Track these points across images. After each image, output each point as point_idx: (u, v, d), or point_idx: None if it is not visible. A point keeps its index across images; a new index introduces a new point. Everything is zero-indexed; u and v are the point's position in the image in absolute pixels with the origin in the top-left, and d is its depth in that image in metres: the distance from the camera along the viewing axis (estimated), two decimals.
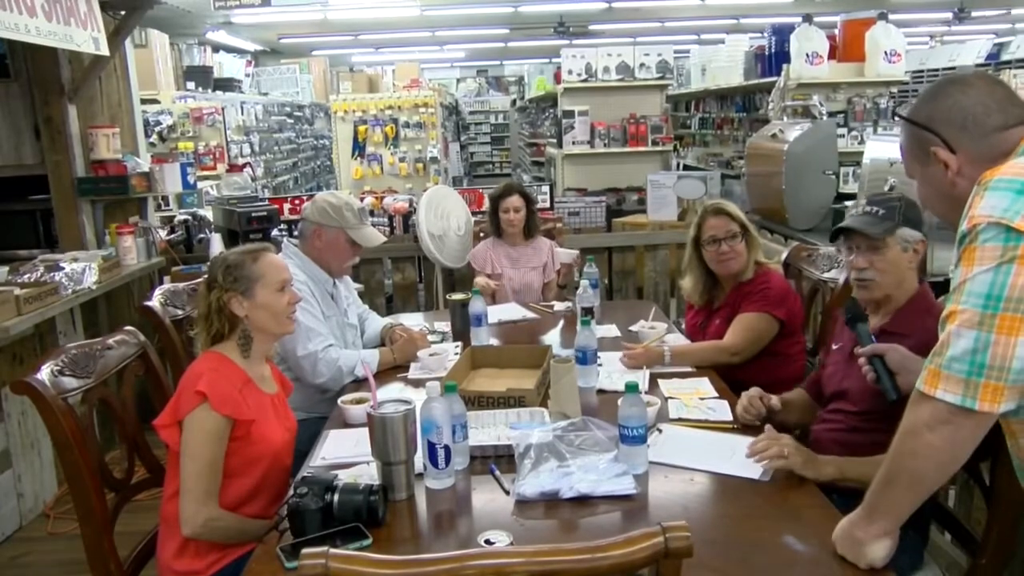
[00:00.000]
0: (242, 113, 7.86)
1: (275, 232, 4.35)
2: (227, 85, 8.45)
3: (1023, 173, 1.18)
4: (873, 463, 1.64)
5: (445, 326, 2.95)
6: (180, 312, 2.52)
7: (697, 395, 2.19)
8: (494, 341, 2.82)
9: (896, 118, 1.56)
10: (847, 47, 5.43)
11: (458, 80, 18.13)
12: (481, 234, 3.95)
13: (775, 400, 2.01)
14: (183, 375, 1.81)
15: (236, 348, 1.85)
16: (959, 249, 1.21)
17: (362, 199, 5.24)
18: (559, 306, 3.31)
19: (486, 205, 4.14)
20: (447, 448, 1.68)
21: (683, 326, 2.93)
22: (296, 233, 3.04)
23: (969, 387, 1.16)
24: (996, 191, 1.18)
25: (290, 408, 2.01)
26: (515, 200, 3.60)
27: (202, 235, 4.58)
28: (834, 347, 2.11)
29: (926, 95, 1.36)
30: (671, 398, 2.17)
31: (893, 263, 1.86)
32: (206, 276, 1.90)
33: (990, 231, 1.16)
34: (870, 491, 1.32)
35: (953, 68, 7.33)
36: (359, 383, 2.44)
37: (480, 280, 3.49)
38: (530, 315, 3.20)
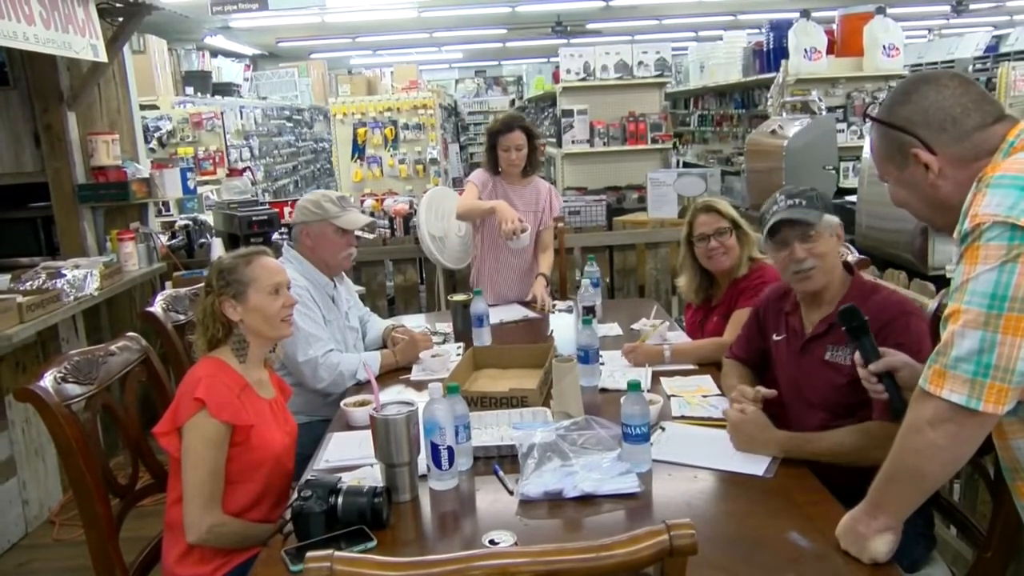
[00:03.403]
0: (241, 117, 7.86)
1: (276, 236, 4.35)
2: (226, 89, 8.45)
3: (1019, 169, 1.17)
4: (822, 439, 1.72)
5: (447, 327, 2.96)
6: (182, 317, 2.52)
7: (700, 393, 2.19)
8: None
9: (868, 120, 1.48)
10: (845, 42, 5.43)
11: (456, 81, 18.13)
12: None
13: (764, 390, 1.99)
14: (181, 381, 1.81)
15: (233, 353, 1.85)
16: (961, 247, 1.20)
17: (362, 201, 5.26)
18: (560, 305, 3.31)
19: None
20: (450, 449, 1.68)
21: (683, 323, 2.93)
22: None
23: (975, 387, 1.15)
24: (999, 188, 1.16)
25: (290, 412, 2.01)
26: (517, 137, 3.28)
27: (203, 240, 4.58)
28: (775, 338, 2.08)
29: (899, 96, 1.33)
30: (674, 396, 2.17)
31: (826, 250, 1.89)
32: (205, 281, 1.91)
33: (995, 229, 1.14)
34: (873, 487, 1.32)
35: (952, 62, 7.32)
36: (361, 386, 2.44)
37: (511, 218, 3.10)
38: (531, 315, 3.20)
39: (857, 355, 1.55)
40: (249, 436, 1.77)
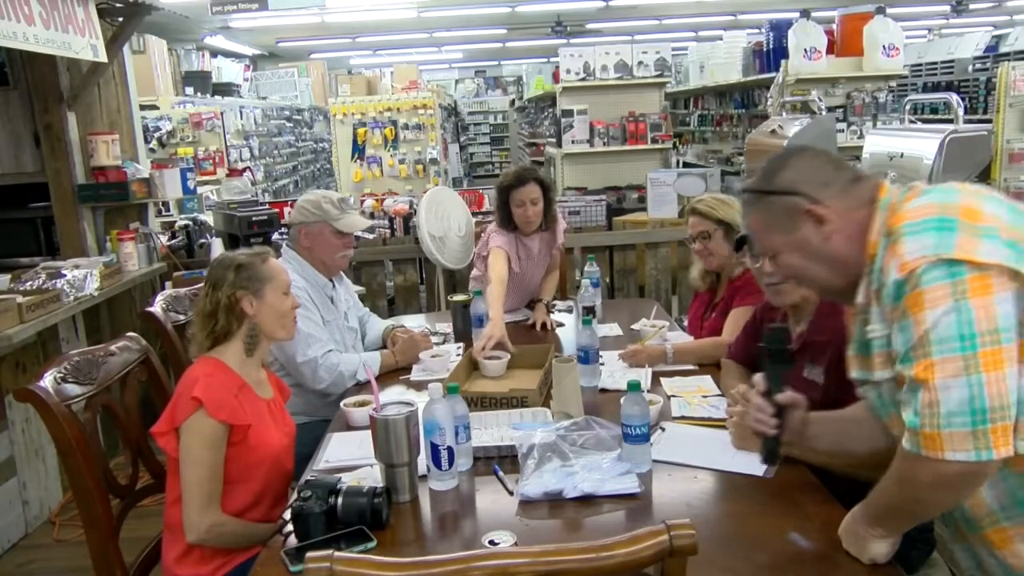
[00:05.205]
0: (241, 117, 7.86)
1: (275, 236, 4.36)
2: (226, 90, 8.45)
3: (929, 213, 1.17)
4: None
5: (447, 327, 2.95)
6: (182, 317, 2.52)
7: (699, 393, 2.19)
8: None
9: (746, 195, 1.47)
10: (845, 42, 5.42)
11: (456, 81, 18.12)
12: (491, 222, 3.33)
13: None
14: (178, 381, 1.81)
15: (235, 351, 1.85)
16: (897, 302, 1.16)
17: (363, 201, 5.26)
18: (560, 305, 3.31)
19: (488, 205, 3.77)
20: (450, 449, 1.68)
21: (684, 323, 2.94)
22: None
23: (979, 438, 1.10)
24: (914, 234, 1.16)
25: (288, 412, 2.01)
26: (532, 191, 3.02)
27: (203, 240, 4.58)
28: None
29: (773, 169, 1.38)
30: (673, 396, 2.17)
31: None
32: (210, 276, 1.90)
33: (931, 271, 1.12)
34: (872, 503, 1.32)
35: (951, 62, 7.31)
36: (361, 386, 2.44)
37: (485, 344, 2.51)
38: (532, 315, 3.20)
39: (760, 378, 1.50)
40: (247, 436, 1.77)
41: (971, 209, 1.16)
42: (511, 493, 1.66)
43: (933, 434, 1.12)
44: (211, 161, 6.67)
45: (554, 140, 6.76)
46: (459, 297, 2.87)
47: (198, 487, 1.69)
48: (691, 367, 2.43)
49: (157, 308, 2.48)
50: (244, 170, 7.06)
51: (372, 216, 4.93)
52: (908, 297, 1.14)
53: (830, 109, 5.12)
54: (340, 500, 1.52)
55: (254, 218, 4.10)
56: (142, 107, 5.27)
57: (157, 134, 6.48)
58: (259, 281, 1.86)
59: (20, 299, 3.02)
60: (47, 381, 1.72)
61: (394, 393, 2.34)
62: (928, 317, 1.12)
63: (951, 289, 1.11)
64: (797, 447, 1.59)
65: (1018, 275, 1.13)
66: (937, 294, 1.12)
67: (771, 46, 6.13)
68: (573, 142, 6.19)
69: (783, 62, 5.35)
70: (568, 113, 6.17)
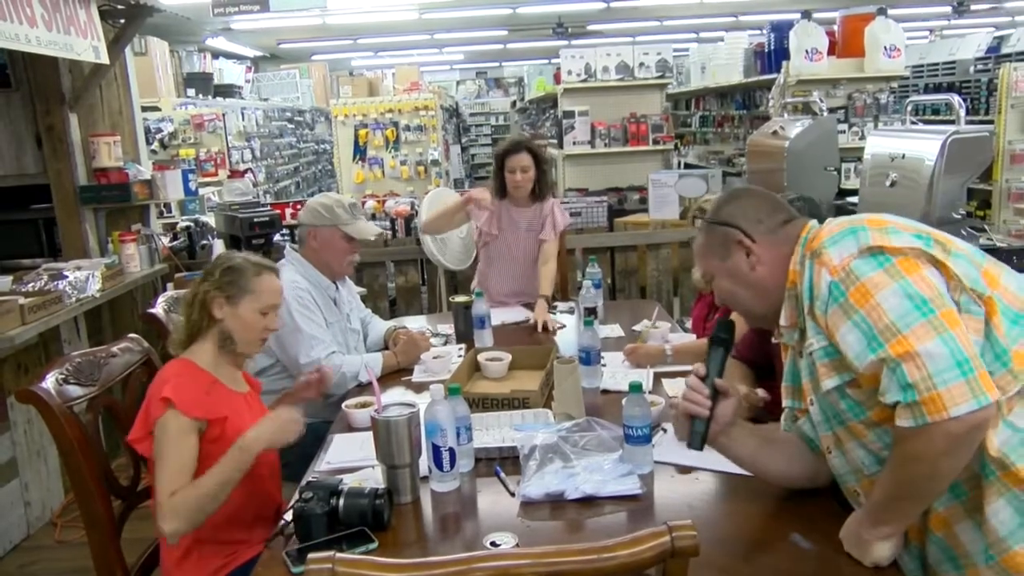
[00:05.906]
0: (243, 119, 7.87)
1: (277, 237, 4.36)
2: (227, 91, 8.47)
3: (841, 226, 1.34)
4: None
5: (448, 328, 2.95)
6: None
7: None
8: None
9: (697, 222, 1.65)
10: (846, 43, 5.42)
11: (458, 82, 18.14)
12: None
13: (761, 394, 1.99)
14: (150, 385, 1.77)
15: (206, 351, 1.82)
16: (836, 303, 1.27)
17: (364, 203, 5.27)
18: (562, 306, 3.31)
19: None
20: (452, 451, 1.69)
21: (686, 324, 2.94)
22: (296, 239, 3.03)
23: (973, 386, 1.15)
24: (834, 244, 1.31)
25: (265, 404, 2.00)
26: (523, 158, 3.23)
27: (205, 241, 4.58)
28: (774, 340, 2.08)
29: (722, 203, 1.58)
30: (675, 397, 2.16)
31: None
32: (207, 267, 1.89)
33: (862, 264, 1.26)
34: (875, 502, 1.32)
35: (953, 62, 7.31)
36: (363, 387, 2.44)
37: (477, 193, 3.14)
38: (533, 316, 3.20)
39: (700, 366, 1.55)
40: (224, 430, 1.74)
41: (875, 219, 1.33)
42: (512, 494, 1.66)
43: (933, 396, 1.16)
44: (213, 162, 6.69)
45: (555, 141, 6.76)
46: (460, 298, 2.87)
47: (168, 483, 1.64)
48: (693, 367, 2.42)
49: (159, 309, 2.48)
50: (246, 171, 7.07)
51: (373, 217, 4.94)
52: (851, 293, 1.26)
53: (831, 110, 5.11)
54: (342, 501, 1.52)
55: (255, 219, 4.11)
56: (144, 108, 5.28)
57: (159, 135, 6.49)
58: (238, 289, 1.83)
59: (22, 300, 3.02)
60: (49, 382, 1.72)
61: (396, 394, 2.34)
62: (880, 301, 1.22)
63: (886, 274, 1.24)
64: (719, 441, 1.54)
65: (931, 257, 1.26)
66: (876, 281, 1.24)
67: (772, 47, 6.13)
68: (574, 143, 6.19)
69: (784, 63, 5.35)
70: (569, 114, 6.18)
